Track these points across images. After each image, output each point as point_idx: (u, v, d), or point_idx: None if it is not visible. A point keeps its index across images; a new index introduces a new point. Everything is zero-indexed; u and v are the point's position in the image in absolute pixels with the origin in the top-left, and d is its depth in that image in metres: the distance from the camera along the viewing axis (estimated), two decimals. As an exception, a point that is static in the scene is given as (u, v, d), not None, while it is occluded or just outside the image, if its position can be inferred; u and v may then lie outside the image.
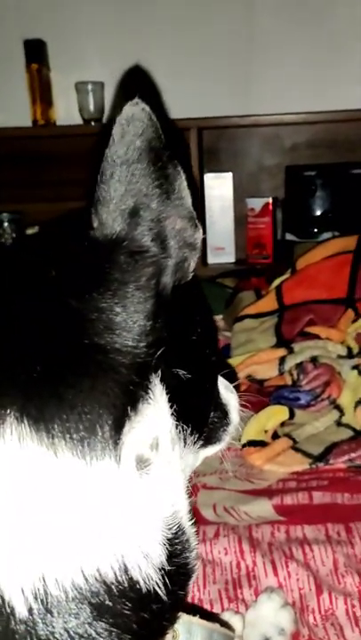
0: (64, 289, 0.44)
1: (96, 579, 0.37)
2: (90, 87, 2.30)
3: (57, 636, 0.35)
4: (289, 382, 1.48)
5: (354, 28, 2.32)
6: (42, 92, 2.34)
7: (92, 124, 2.34)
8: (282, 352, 1.53)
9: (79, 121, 2.38)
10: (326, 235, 2.21)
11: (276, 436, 1.31)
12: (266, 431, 1.31)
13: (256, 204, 2.37)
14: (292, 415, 1.35)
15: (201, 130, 2.33)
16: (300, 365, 1.48)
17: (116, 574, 0.37)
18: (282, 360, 1.51)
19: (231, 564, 0.92)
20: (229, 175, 2.40)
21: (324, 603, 0.83)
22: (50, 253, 0.50)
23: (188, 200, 0.48)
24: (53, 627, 0.36)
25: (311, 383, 1.42)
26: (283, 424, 1.35)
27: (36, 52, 2.32)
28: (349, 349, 1.54)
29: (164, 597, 0.40)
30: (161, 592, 0.39)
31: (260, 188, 2.45)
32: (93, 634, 0.36)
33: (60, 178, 2.43)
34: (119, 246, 0.45)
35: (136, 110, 0.44)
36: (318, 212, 2.36)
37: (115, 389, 0.40)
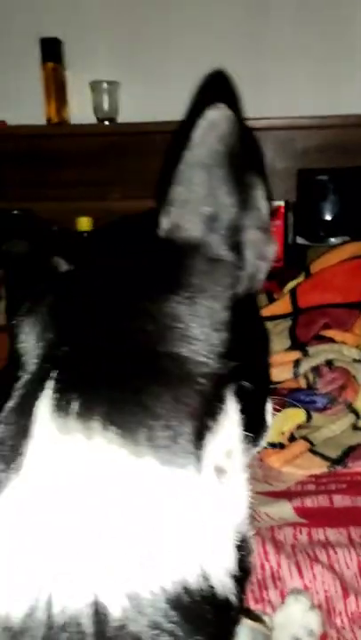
0: (140, 291, 0.44)
1: (181, 586, 0.37)
2: (105, 86, 2.30)
3: (144, 636, 0.36)
4: (303, 385, 1.49)
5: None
6: (57, 91, 2.34)
7: (106, 123, 2.34)
8: (296, 355, 1.53)
9: (93, 120, 2.38)
10: (337, 239, 2.22)
11: (292, 438, 1.31)
12: (283, 433, 1.32)
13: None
14: (308, 418, 1.36)
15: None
16: (315, 369, 1.48)
17: (198, 582, 0.38)
18: (296, 363, 1.52)
19: (255, 565, 0.92)
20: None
21: (350, 605, 0.84)
22: (122, 253, 0.50)
23: (265, 211, 0.47)
24: (140, 629, 0.36)
25: (327, 386, 1.43)
26: (299, 426, 1.35)
27: (51, 50, 2.32)
28: (365, 353, 1.54)
29: (236, 603, 0.40)
30: (233, 598, 0.40)
31: (273, 190, 2.45)
32: (180, 635, 0.36)
33: (71, 177, 2.43)
34: (198, 252, 0.45)
35: (219, 115, 0.44)
36: (330, 217, 2.36)
37: (195, 401, 0.41)
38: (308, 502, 1.08)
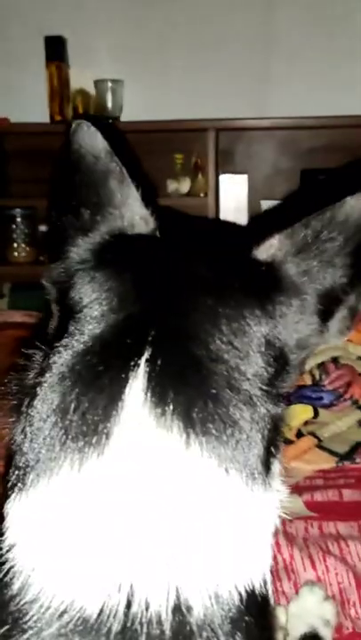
0: (236, 301, 0.46)
1: (251, 588, 0.39)
2: (109, 85, 2.31)
3: (217, 632, 0.37)
4: (308, 382, 1.49)
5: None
6: (60, 89, 2.34)
7: (110, 121, 2.35)
8: (302, 352, 1.54)
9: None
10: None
11: (300, 434, 1.31)
12: (290, 429, 1.32)
13: (271, 205, 2.38)
14: (315, 414, 1.36)
15: (218, 131, 2.34)
16: (321, 365, 1.49)
17: (260, 585, 0.41)
18: (302, 360, 1.52)
19: (268, 557, 0.92)
20: (245, 177, 2.42)
21: (364, 597, 0.84)
22: (222, 257, 0.51)
23: None
24: (220, 627, 0.37)
25: (334, 383, 1.43)
26: (306, 422, 1.36)
27: (55, 48, 2.32)
28: (370, 351, 1.55)
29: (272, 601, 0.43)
30: (271, 595, 0.43)
31: (275, 190, 2.46)
32: (240, 636, 0.38)
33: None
34: (299, 296, 0.48)
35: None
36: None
37: (267, 428, 0.44)
38: (318, 496, 1.08)
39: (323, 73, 2.36)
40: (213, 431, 0.40)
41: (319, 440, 1.28)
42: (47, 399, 0.41)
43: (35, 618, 0.36)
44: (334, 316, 0.49)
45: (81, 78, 2.40)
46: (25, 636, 0.36)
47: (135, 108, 2.38)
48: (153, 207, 0.54)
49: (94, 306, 0.45)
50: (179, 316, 0.44)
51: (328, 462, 1.21)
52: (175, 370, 0.42)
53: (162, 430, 0.39)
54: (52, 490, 0.39)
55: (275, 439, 0.45)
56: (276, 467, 0.45)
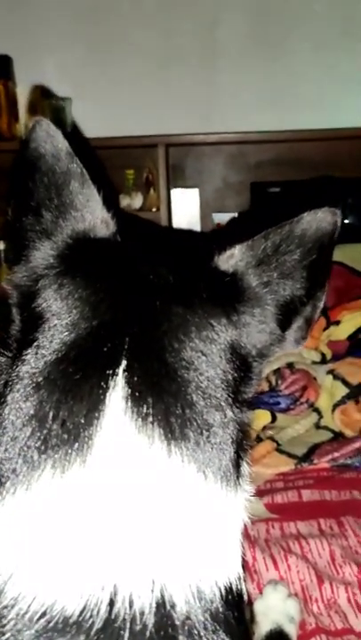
0: (204, 308, 0.48)
1: (229, 585, 0.41)
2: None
3: (199, 628, 0.38)
4: (266, 388, 1.52)
5: (314, 52, 2.42)
6: (8, 107, 2.34)
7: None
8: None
9: (46, 136, 2.38)
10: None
11: (258, 439, 1.33)
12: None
13: (222, 218, 2.42)
14: (273, 419, 1.38)
15: (168, 146, 2.37)
16: (277, 371, 1.51)
17: (237, 582, 0.42)
18: (258, 367, 1.55)
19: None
20: (196, 191, 2.45)
21: (326, 592, 0.85)
22: (187, 263, 0.52)
23: (318, 312, 0.53)
24: (202, 622, 0.38)
25: (290, 388, 1.46)
26: (264, 427, 1.37)
27: (2, 67, 2.32)
28: (323, 355, 1.59)
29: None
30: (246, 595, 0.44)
31: (226, 203, 2.50)
32: (220, 631, 0.39)
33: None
34: (261, 307, 0.50)
35: (333, 219, 0.51)
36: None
37: (236, 433, 0.45)
38: (279, 498, 1.10)
39: (267, 89, 2.43)
40: (191, 436, 0.42)
41: (278, 444, 1.30)
42: (22, 408, 0.41)
43: (14, 620, 0.36)
44: (292, 326, 0.52)
45: (29, 96, 2.40)
46: (4, 638, 0.36)
47: (85, 125, 2.39)
48: (113, 210, 0.55)
49: (64, 313, 0.45)
50: (151, 325, 0.45)
51: (287, 465, 1.23)
52: (152, 378, 0.43)
53: (143, 437, 0.40)
54: (32, 497, 0.39)
55: (243, 442, 0.47)
56: (245, 468, 0.47)
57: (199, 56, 2.44)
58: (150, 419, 0.41)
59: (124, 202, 2.41)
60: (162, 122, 2.39)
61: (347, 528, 0.99)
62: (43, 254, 0.49)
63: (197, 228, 2.46)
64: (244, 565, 0.89)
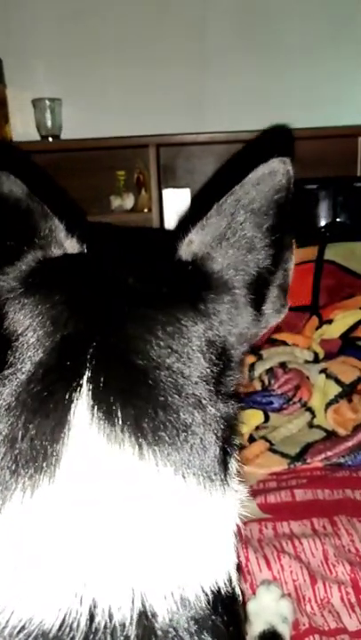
0: (169, 303, 0.45)
1: (216, 588, 0.40)
2: (47, 103, 2.31)
3: (183, 636, 0.37)
4: (258, 388, 1.52)
5: (302, 51, 2.42)
6: (-2, 109, 2.33)
7: (50, 140, 2.34)
8: (251, 359, 1.56)
9: (36, 137, 2.38)
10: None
11: (252, 439, 1.33)
12: (242, 434, 1.33)
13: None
14: (266, 418, 1.38)
15: (158, 146, 2.37)
16: (270, 371, 1.51)
17: (226, 584, 0.41)
18: (251, 366, 1.55)
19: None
20: (187, 191, 2.45)
21: (319, 592, 0.85)
22: (146, 260, 0.50)
23: (291, 274, 0.49)
24: (186, 629, 0.38)
25: (283, 387, 1.46)
26: (257, 427, 1.37)
27: (-9, 68, 2.31)
28: (316, 354, 1.59)
29: (241, 600, 0.44)
30: (240, 593, 0.44)
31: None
32: (207, 635, 0.38)
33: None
34: (228, 291, 0.46)
35: (282, 168, 0.46)
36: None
37: (220, 429, 0.43)
38: (272, 498, 1.10)
39: (257, 89, 2.43)
40: (166, 439, 0.40)
41: (271, 444, 1.30)
42: None
43: None
44: (267, 299, 0.49)
45: (19, 98, 2.40)
46: None
47: (75, 127, 2.38)
48: (80, 231, 0.54)
49: (29, 333, 0.44)
50: (114, 330, 0.44)
51: (280, 465, 1.23)
52: (119, 383, 0.41)
53: (113, 445, 0.39)
54: (5, 517, 0.39)
55: (230, 438, 0.45)
56: (233, 466, 0.45)
57: (188, 56, 2.43)
58: (119, 425, 0.40)
59: (116, 203, 2.41)
60: (152, 122, 2.38)
61: (340, 527, 0.99)
62: (7, 279, 0.49)
63: (189, 228, 2.45)
64: (238, 566, 0.89)
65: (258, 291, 0.48)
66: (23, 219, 0.52)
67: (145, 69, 2.42)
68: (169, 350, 0.43)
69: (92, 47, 2.41)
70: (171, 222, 2.42)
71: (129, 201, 2.41)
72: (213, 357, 0.45)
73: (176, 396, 0.42)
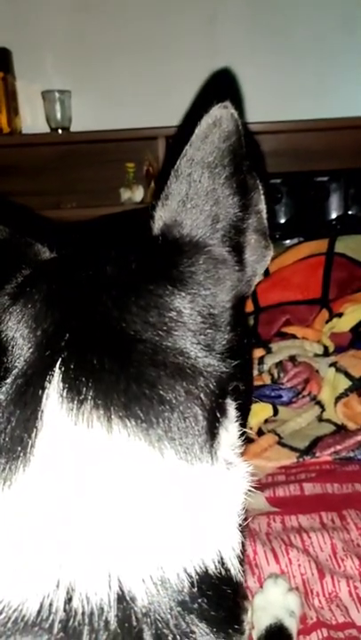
0: (142, 282, 0.44)
1: (202, 568, 0.38)
2: (57, 95, 2.30)
3: (165, 618, 0.36)
4: (268, 381, 1.51)
5: (313, 43, 2.40)
6: (7, 101, 2.32)
7: (60, 132, 2.34)
8: (260, 352, 1.56)
9: (46, 130, 2.37)
10: (292, 240, 2.27)
11: (260, 432, 1.32)
12: (250, 428, 1.33)
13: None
14: (275, 412, 1.38)
15: (168, 138, 2.36)
16: (279, 364, 1.51)
17: (216, 564, 0.39)
18: (260, 360, 1.54)
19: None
20: (197, 183, 2.43)
21: (327, 586, 0.85)
22: (119, 245, 0.50)
23: (265, 215, 0.48)
24: (169, 611, 0.37)
25: (292, 381, 1.45)
26: (266, 421, 1.37)
27: (1, 60, 2.30)
28: (325, 348, 1.58)
29: (241, 580, 0.42)
30: (240, 576, 0.41)
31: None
32: (194, 618, 0.37)
33: (26, 187, 2.41)
34: (199, 250, 0.45)
35: (225, 114, 0.44)
36: (283, 219, 2.41)
37: (206, 396, 0.41)
38: (280, 492, 1.09)
39: (267, 80, 2.41)
40: (139, 412, 0.39)
41: (280, 437, 1.29)
42: None
43: None
44: (246, 246, 0.47)
45: (28, 90, 2.39)
46: None
47: (84, 119, 2.38)
48: (61, 245, 0.55)
49: (17, 335, 0.45)
50: (89, 316, 0.44)
51: (289, 458, 1.22)
52: (91, 364, 0.41)
53: (81, 425, 0.39)
54: None
55: (221, 405, 0.43)
56: (225, 434, 0.43)
57: (198, 47, 2.42)
58: (87, 404, 0.39)
59: (125, 195, 2.40)
60: (161, 114, 2.37)
61: (349, 521, 0.99)
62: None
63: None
64: (244, 558, 0.89)
65: (234, 241, 0.46)
66: (10, 254, 0.53)
67: (154, 61, 2.41)
68: (146, 324, 0.42)
69: (101, 39, 2.40)
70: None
71: (138, 193, 2.40)
72: (199, 321, 0.44)
73: (152, 368, 0.41)
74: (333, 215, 2.36)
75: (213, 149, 0.44)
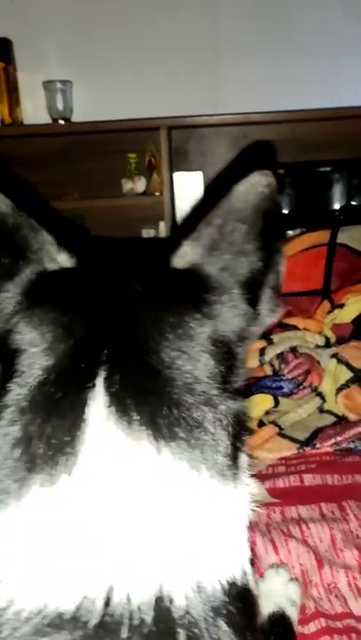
0: (175, 308, 0.48)
1: (232, 580, 0.41)
2: (58, 86, 2.29)
3: (199, 621, 0.39)
4: (269, 372, 1.51)
5: (316, 32, 2.38)
6: (9, 92, 2.32)
7: (61, 122, 2.33)
8: (261, 343, 1.56)
9: (47, 120, 2.36)
10: (294, 231, 2.26)
11: (261, 423, 1.33)
12: (253, 420, 1.33)
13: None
14: (276, 403, 1.38)
15: (170, 129, 2.35)
16: (280, 355, 1.51)
17: (241, 576, 0.42)
18: (262, 351, 1.54)
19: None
20: (199, 174, 2.43)
21: (326, 577, 0.86)
22: (145, 270, 0.53)
23: (282, 276, 0.53)
24: (199, 615, 0.39)
25: (293, 372, 1.45)
26: (267, 412, 1.37)
27: (2, 50, 2.29)
28: (327, 339, 1.58)
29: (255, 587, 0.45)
30: (254, 584, 0.44)
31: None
32: (222, 623, 0.40)
33: (28, 177, 2.40)
34: (226, 291, 0.49)
35: (263, 180, 0.50)
36: (286, 210, 2.40)
37: (230, 425, 0.45)
38: (280, 483, 1.10)
39: (269, 70, 2.39)
40: (181, 434, 0.42)
41: (280, 428, 1.30)
42: (9, 433, 0.43)
43: (11, 620, 0.38)
44: (261, 300, 0.51)
45: (29, 80, 2.38)
46: (2, 635, 0.37)
47: (86, 109, 2.37)
48: (70, 244, 0.56)
49: (39, 341, 0.46)
50: (127, 333, 0.46)
51: (289, 449, 1.23)
52: (134, 382, 0.43)
53: (131, 439, 0.41)
54: (23, 511, 0.40)
55: (239, 434, 0.46)
56: (243, 460, 0.47)
57: (201, 37, 2.40)
58: (135, 422, 0.42)
59: (127, 186, 2.39)
60: (163, 104, 2.36)
61: (348, 512, 0.99)
62: (9, 295, 0.50)
63: (201, 211, 2.43)
64: (252, 561, 0.89)
65: (252, 291, 0.50)
66: (13, 232, 0.53)
67: (156, 51, 2.40)
68: (179, 352, 0.45)
69: (103, 29, 2.39)
70: (182, 205, 2.40)
71: (140, 184, 2.40)
72: (220, 356, 0.47)
73: (187, 395, 0.44)
74: (336, 205, 2.35)
75: (247, 209, 0.50)
